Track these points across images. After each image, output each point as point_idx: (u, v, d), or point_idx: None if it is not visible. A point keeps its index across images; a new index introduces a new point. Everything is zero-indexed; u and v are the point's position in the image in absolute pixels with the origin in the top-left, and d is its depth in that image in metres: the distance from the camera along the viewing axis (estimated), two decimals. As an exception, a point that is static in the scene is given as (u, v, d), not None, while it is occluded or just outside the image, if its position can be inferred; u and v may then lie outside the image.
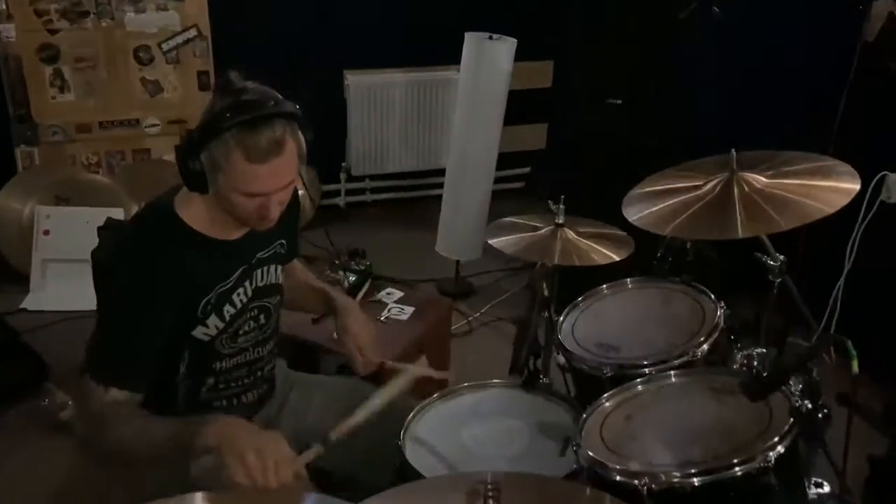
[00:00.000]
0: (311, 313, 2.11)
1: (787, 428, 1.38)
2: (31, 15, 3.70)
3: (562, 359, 1.92)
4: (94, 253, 2.17)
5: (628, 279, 2.06)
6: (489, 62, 3.63)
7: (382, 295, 2.87)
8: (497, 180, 3.93)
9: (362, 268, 2.89)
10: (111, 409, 1.58)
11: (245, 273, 1.79)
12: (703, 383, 1.62)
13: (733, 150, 1.75)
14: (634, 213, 1.78)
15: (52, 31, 3.76)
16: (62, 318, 3.45)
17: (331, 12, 4.23)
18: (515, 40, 3.62)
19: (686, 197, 1.76)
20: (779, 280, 1.80)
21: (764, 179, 1.73)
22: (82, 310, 3.20)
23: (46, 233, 3.72)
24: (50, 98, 3.83)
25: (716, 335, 1.76)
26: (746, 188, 1.71)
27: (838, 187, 1.66)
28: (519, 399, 1.89)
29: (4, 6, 3.65)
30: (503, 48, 3.62)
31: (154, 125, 4.04)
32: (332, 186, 4.55)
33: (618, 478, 1.41)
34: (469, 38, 3.65)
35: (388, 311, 2.77)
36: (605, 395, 1.66)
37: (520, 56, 3.66)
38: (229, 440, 1.45)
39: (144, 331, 1.63)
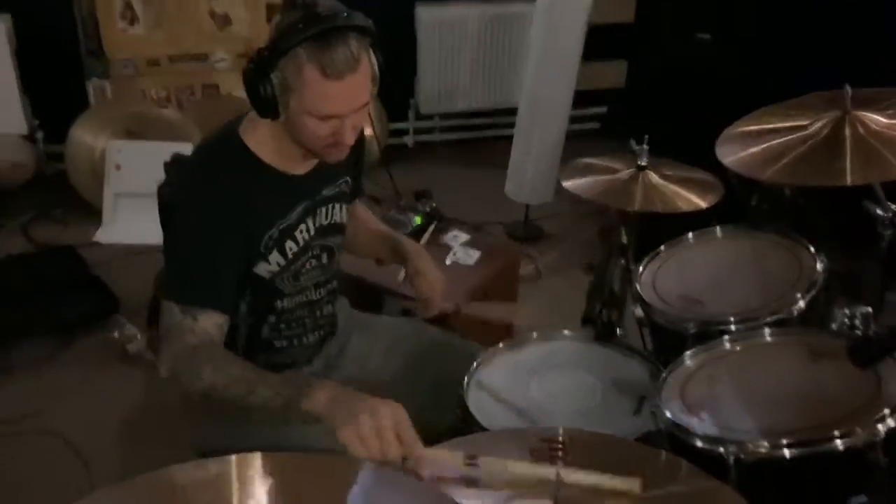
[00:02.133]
0: (374, 258, 2.03)
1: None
2: (101, -55, 3.66)
3: (640, 312, 1.79)
4: (160, 188, 2.13)
5: (717, 227, 1.90)
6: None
7: (448, 238, 2.77)
8: (572, 120, 3.76)
9: (428, 209, 2.80)
10: (205, 347, 1.50)
11: (307, 210, 1.71)
12: (799, 344, 1.48)
13: (847, 85, 1.56)
14: (729, 154, 1.63)
15: (123, -38, 3.71)
16: (133, 253, 3.47)
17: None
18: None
19: (789, 138, 1.60)
20: (889, 232, 1.62)
21: (882, 120, 1.55)
22: (153, 244, 3.18)
23: (118, 167, 3.73)
24: (120, 31, 3.79)
25: (814, 291, 1.60)
26: (861, 129, 1.53)
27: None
28: (592, 352, 1.79)
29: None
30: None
31: (222, 59, 3.98)
32: (400, 125, 4.44)
33: (700, 444, 1.30)
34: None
35: (454, 254, 2.68)
36: (688, 352, 1.54)
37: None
38: (344, 410, 1.29)
39: (222, 251, 1.56)
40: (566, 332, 1.83)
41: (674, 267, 1.84)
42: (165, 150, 2.55)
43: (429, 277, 1.85)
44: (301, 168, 1.69)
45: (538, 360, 1.77)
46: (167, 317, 1.53)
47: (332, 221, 1.79)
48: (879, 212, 1.63)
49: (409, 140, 4.50)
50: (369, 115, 1.61)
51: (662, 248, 1.89)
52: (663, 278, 1.82)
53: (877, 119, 1.57)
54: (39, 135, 3.90)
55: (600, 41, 3.93)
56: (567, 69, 3.56)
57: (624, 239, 1.83)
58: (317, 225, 1.75)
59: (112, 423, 2.70)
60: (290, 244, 1.69)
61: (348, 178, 1.83)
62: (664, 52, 3.30)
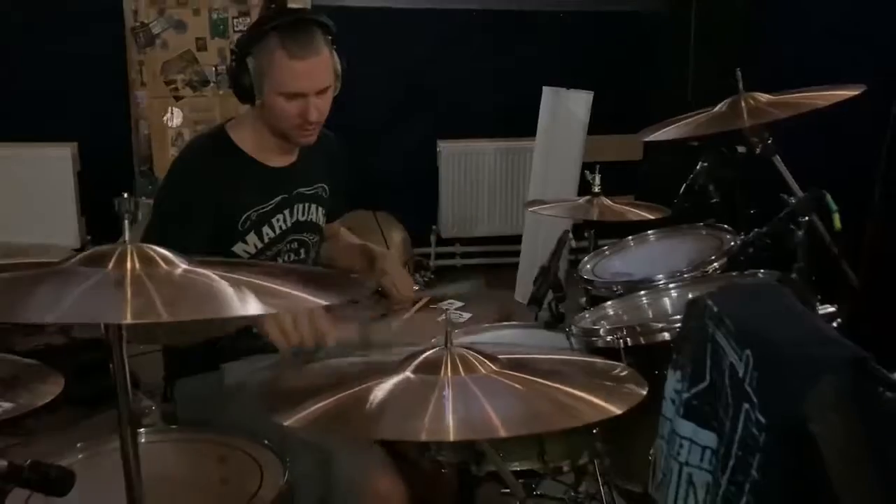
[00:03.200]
0: (354, 269, 2.23)
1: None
2: (162, 84, 4.23)
3: (583, 300, 1.93)
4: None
5: (650, 231, 2.08)
6: (565, 112, 3.80)
7: (443, 304, 2.94)
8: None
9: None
10: None
11: (285, 202, 1.94)
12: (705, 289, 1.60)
13: (738, 70, 1.80)
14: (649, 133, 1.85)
15: (178, 98, 4.26)
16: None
17: (424, 84, 4.55)
18: (592, 92, 3.78)
19: (698, 116, 1.83)
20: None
21: (770, 96, 1.79)
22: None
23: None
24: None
25: (726, 256, 1.75)
26: (753, 102, 1.76)
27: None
28: (540, 336, 1.90)
29: (140, 76, 4.19)
30: (580, 99, 3.79)
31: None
32: (423, 249, 4.72)
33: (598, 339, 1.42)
34: (547, 91, 3.84)
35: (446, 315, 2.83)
36: (609, 302, 1.66)
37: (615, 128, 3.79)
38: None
39: (194, 221, 1.78)
40: (515, 322, 1.96)
41: (614, 259, 2.01)
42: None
43: (394, 277, 2.04)
44: (279, 162, 1.95)
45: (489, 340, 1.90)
46: None
47: (308, 219, 2.01)
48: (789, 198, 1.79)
49: (431, 264, 4.77)
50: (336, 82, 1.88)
51: (605, 248, 2.06)
52: (603, 266, 1.97)
53: (766, 96, 1.83)
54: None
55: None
56: (568, 181, 3.85)
57: (569, 237, 2.00)
58: (293, 219, 1.97)
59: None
60: (266, 230, 1.91)
61: (325, 185, 2.07)
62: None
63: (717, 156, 2.04)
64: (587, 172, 2.23)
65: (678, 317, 1.40)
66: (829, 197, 1.36)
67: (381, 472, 1.64)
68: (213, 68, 4.28)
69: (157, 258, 0.97)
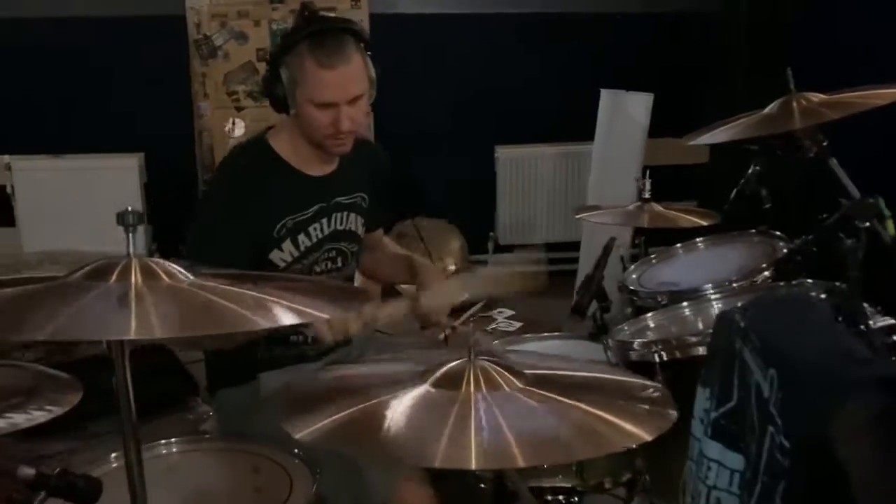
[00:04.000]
0: (397, 281, 2.22)
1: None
2: (224, 94, 4.31)
3: (628, 310, 1.87)
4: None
5: (699, 238, 1.99)
6: (624, 115, 3.71)
7: (493, 313, 2.92)
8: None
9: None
10: None
11: (322, 211, 1.94)
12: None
13: (789, 69, 1.71)
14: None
15: (239, 108, 4.33)
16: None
17: (480, 90, 4.51)
18: (652, 94, 3.69)
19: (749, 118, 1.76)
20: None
21: (823, 96, 1.69)
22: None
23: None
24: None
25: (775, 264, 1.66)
26: (805, 102, 1.68)
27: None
28: (583, 347, 1.85)
29: (203, 87, 4.28)
30: (640, 102, 3.70)
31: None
32: (481, 256, 4.69)
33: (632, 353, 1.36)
34: (605, 94, 3.77)
35: (496, 323, 2.81)
36: (651, 313, 1.60)
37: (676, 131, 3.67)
38: None
39: (234, 231, 1.80)
40: (559, 333, 1.92)
41: (661, 267, 1.93)
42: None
43: (430, 291, 2.01)
44: (317, 171, 1.95)
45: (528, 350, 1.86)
46: None
47: (347, 228, 2.01)
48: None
49: (488, 271, 4.73)
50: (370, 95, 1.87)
51: (652, 257, 1.99)
52: (649, 275, 1.90)
53: (818, 95, 1.73)
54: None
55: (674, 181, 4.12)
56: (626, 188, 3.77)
57: (615, 244, 1.94)
58: (331, 228, 1.97)
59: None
60: (302, 238, 1.91)
61: (364, 195, 2.06)
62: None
63: (769, 159, 1.95)
64: (637, 177, 2.16)
65: (716, 330, 1.34)
66: (881, 202, 1.27)
67: (412, 482, 1.62)
68: (273, 78, 4.34)
69: (160, 272, 0.96)
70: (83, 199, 4.15)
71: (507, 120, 4.54)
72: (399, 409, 1.13)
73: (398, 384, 1.17)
